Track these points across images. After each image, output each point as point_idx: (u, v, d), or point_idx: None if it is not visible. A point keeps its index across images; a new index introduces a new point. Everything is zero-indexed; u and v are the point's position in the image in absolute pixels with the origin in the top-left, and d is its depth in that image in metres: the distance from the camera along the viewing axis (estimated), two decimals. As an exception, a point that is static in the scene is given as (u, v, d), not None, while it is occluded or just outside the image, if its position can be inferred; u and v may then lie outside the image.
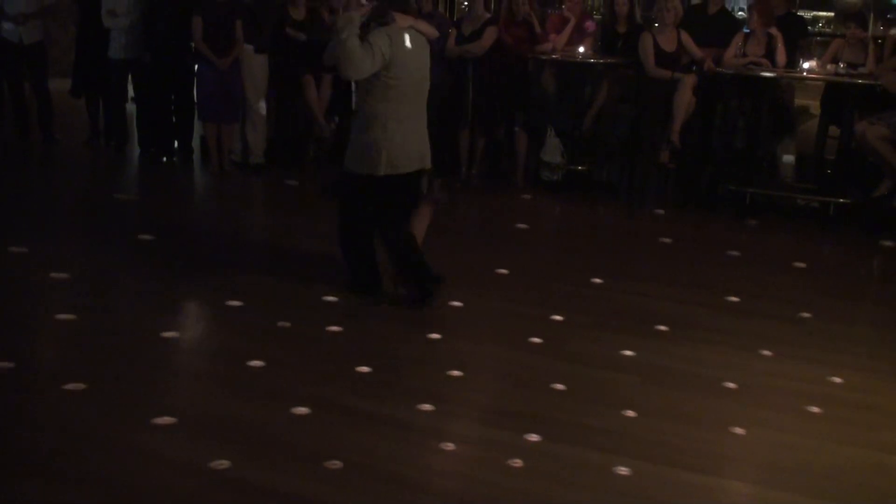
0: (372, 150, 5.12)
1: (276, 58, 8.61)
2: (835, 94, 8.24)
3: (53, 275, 5.52)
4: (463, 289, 5.60)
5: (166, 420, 3.86)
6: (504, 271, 6.07)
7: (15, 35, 8.96)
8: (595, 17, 9.83)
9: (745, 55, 7.96)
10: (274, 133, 9.04)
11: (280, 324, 4.99)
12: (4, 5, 8.86)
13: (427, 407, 4.10)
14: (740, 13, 10.82)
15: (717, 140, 8.53)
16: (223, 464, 3.53)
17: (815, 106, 9.09)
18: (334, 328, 5.00)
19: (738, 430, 4.05)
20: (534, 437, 3.88)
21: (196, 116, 8.94)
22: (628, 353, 4.84)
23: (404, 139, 5.15)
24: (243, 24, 8.36)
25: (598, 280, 5.97)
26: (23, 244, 6.03)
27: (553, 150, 8.42)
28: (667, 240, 7.01)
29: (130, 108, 9.46)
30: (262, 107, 8.68)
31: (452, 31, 8.35)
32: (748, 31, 8.23)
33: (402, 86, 5.07)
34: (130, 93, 9.37)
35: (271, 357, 4.55)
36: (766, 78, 7.92)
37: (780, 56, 7.87)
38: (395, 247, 5.32)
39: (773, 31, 7.91)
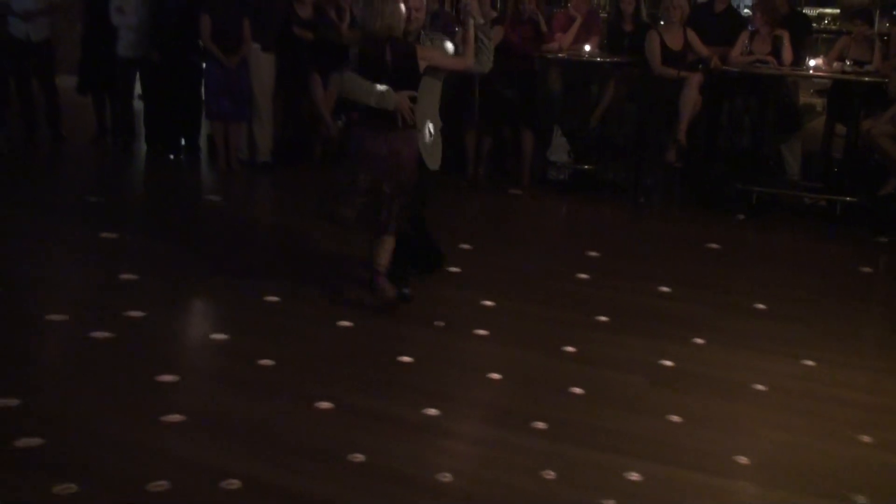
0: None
1: (284, 56, 8.62)
2: (842, 92, 8.24)
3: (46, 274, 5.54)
4: (471, 289, 5.63)
5: (175, 418, 3.88)
6: (511, 271, 6.08)
7: (23, 32, 8.98)
8: (601, 15, 9.82)
9: (751, 53, 7.96)
10: (281, 132, 9.06)
11: (289, 322, 5.01)
12: (12, 3, 8.88)
13: (437, 407, 4.11)
14: (746, 11, 10.80)
15: (724, 139, 8.54)
16: (233, 463, 3.55)
17: (820, 104, 9.10)
18: (344, 325, 5.02)
19: (752, 433, 4.06)
20: (544, 438, 3.90)
21: (203, 115, 8.96)
22: (637, 355, 4.85)
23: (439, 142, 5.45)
24: (251, 23, 8.37)
25: (605, 280, 5.99)
26: (23, 243, 6.07)
27: (559, 150, 8.44)
28: (671, 238, 7.02)
29: (138, 105, 9.48)
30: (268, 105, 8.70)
31: (459, 30, 8.33)
32: (754, 29, 8.23)
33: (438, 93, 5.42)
34: (138, 90, 9.39)
35: (280, 355, 4.57)
36: (772, 76, 7.92)
37: (787, 54, 7.87)
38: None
39: (779, 31, 7.91)
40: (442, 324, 5.05)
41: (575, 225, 7.73)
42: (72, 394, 4.10)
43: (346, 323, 5.04)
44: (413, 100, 5.06)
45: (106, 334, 4.72)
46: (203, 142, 9.25)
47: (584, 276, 6.07)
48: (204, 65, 8.60)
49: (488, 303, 5.49)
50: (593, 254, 6.63)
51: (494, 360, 4.72)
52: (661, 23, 8.19)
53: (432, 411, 4.08)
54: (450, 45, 5.34)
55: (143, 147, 9.26)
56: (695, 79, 7.84)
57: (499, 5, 9.76)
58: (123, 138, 9.37)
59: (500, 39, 8.16)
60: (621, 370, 4.65)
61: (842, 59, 8.06)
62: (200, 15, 8.29)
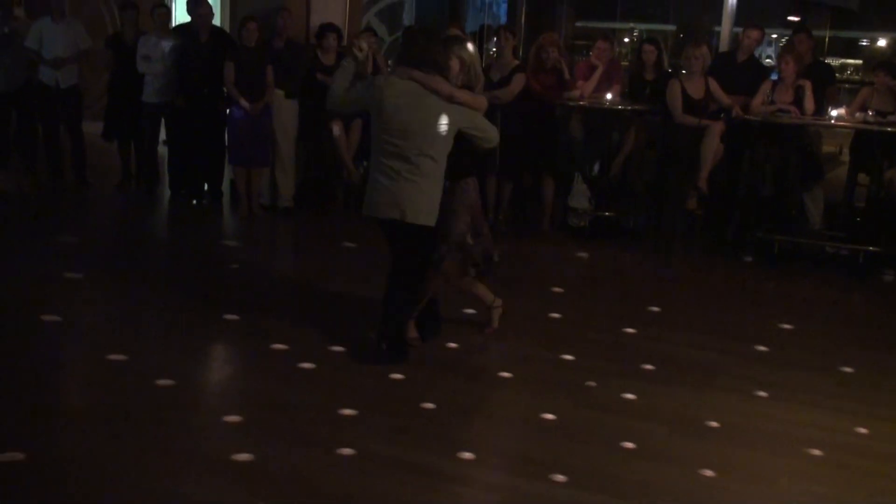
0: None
1: (306, 103, 8.71)
2: (864, 141, 8.23)
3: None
4: (491, 336, 5.61)
5: (194, 463, 3.86)
6: (533, 318, 6.06)
7: (52, 79, 9.14)
8: (623, 64, 9.87)
9: (773, 102, 7.96)
10: (303, 177, 9.13)
11: (304, 365, 5.00)
12: (42, 50, 9.05)
13: (461, 455, 4.07)
14: (768, 61, 10.83)
15: (745, 187, 8.52)
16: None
17: (844, 154, 9.06)
18: (361, 371, 5.00)
19: (780, 484, 4.01)
20: (568, 488, 3.85)
21: (226, 160, 9.04)
22: (660, 403, 4.80)
23: (375, 185, 5.12)
24: (274, 70, 8.47)
25: (628, 329, 5.94)
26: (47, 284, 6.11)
27: (580, 196, 8.44)
28: (692, 287, 6.99)
29: (162, 151, 9.58)
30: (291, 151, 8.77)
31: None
32: (776, 78, 8.25)
33: (385, 135, 5.03)
34: (162, 136, 9.50)
35: (296, 400, 4.56)
36: (794, 125, 7.91)
37: (809, 104, 7.86)
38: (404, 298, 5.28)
39: (802, 80, 7.92)
40: (463, 382, 5.01)
41: (595, 272, 7.70)
42: (90, 434, 4.10)
43: (362, 371, 5.03)
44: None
45: (120, 376, 4.71)
46: (226, 187, 9.32)
47: (604, 323, 6.04)
48: (228, 111, 8.70)
49: (505, 349, 5.46)
50: (614, 300, 6.62)
51: (518, 407, 4.69)
52: (683, 72, 8.21)
53: (456, 459, 4.04)
54: None
55: (167, 192, 9.33)
56: (716, 127, 7.85)
57: (521, 53, 9.83)
58: (147, 183, 9.46)
59: (522, 86, 8.23)
60: (646, 420, 4.59)
61: (864, 109, 8.06)
62: (225, 62, 8.40)
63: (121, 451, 3.94)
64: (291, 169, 8.85)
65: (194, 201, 9.11)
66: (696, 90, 7.93)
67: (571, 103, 8.46)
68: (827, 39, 17.04)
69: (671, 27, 18.48)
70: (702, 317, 6.37)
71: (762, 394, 4.98)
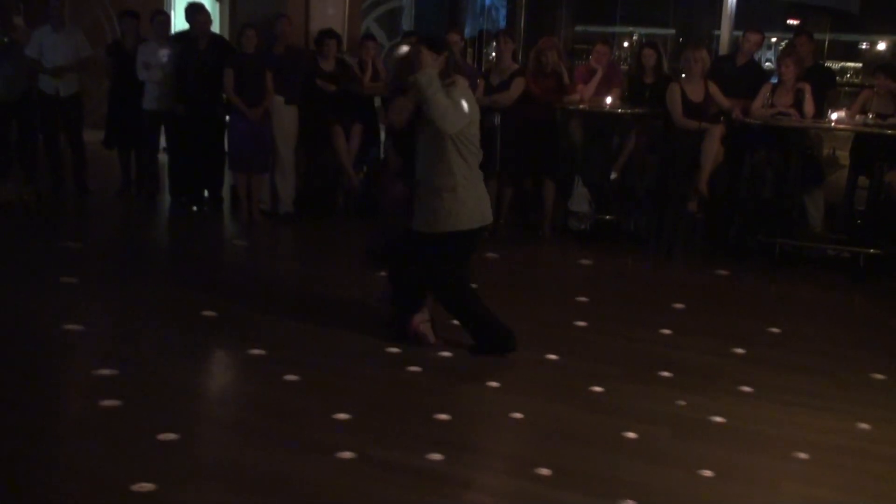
0: (443, 209, 5.14)
1: (307, 108, 8.72)
2: (864, 144, 8.23)
3: (69, 326, 5.56)
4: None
5: (194, 468, 3.85)
6: (532, 321, 6.05)
7: (52, 88, 9.15)
8: (622, 67, 9.88)
9: (772, 105, 7.97)
10: (303, 183, 9.13)
11: (302, 370, 4.99)
12: (42, 59, 9.06)
13: (458, 457, 4.07)
14: (767, 64, 10.84)
15: (746, 190, 8.51)
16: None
17: (843, 156, 9.06)
18: (364, 376, 5.00)
19: (781, 487, 4.00)
20: (566, 490, 3.84)
21: (227, 166, 9.05)
22: (660, 406, 4.79)
23: (477, 194, 5.29)
24: (274, 76, 8.48)
25: (628, 332, 5.94)
26: (52, 291, 6.11)
27: (581, 200, 8.44)
28: (693, 290, 6.98)
29: (162, 158, 9.59)
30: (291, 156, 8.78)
31: (480, 82, 8.41)
32: (776, 81, 8.25)
33: (473, 144, 5.18)
34: (162, 143, 9.51)
35: (294, 405, 4.56)
36: (794, 128, 7.91)
37: (809, 107, 7.87)
38: (458, 302, 5.41)
39: (802, 84, 7.93)
40: (467, 386, 5.00)
41: (595, 276, 7.69)
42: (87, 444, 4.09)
43: (364, 376, 5.03)
44: None
45: (121, 387, 4.72)
46: (226, 193, 9.32)
47: (605, 325, 6.04)
48: (227, 117, 8.70)
49: (508, 354, 5.46)
50: (615, 304, 6.61)
51: (516, 409, 4.66)
52: (683, 75, 8.21)
53: (457, 462, 4.04)
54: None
55: (168, 199, 9.33)
56: (716, 130, 7.85)
57: (520, 57, 9.83)
58: (148, 191, 9.46)
59: (521, 91, 8.24)
60: (645, 421, 4.58)
61: (864, 112, 8.06)
62: (224, 69, 8.40)
63: (118, 457, 3.93)
64: (292, 175, 8.85)
65: (195, 208, 9.11)
66: (695, 94, 7.94)
67: (571, 107, 8.47)
68: (827, 43, 17.05)
69: (670, 31, 18.49)
70: (702, 319, 6.36)
71: (762, 396, 4.97)
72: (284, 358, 5.22)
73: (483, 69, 10.92)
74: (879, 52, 19.50)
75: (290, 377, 4.93)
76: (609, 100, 8.37)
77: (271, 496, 3.69)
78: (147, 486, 3.67)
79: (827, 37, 17.13)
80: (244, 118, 8.42)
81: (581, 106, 8.42)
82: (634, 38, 18.53)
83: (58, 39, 9.10)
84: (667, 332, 5.97)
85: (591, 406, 4.77)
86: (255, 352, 5.28)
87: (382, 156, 8.61)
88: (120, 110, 9.29)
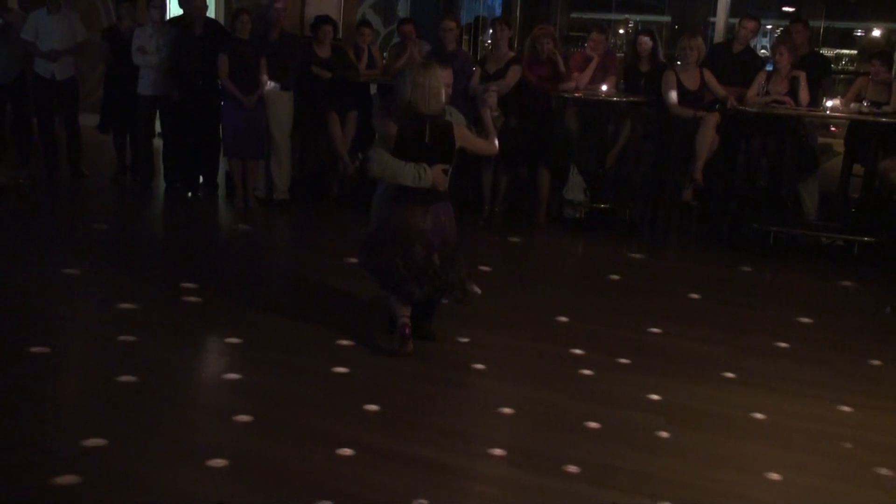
0: None
1: (302, 95, 8.70)
2: (859, 132, 8.24)
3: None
4: (481, 327, 5.62)
5: (193, 459, 3.87)
6: (527, 309, 6.08)
7: (48, 72, 9.13)
8: (618, 55, 9.87)
9: (767, 93, 7.97)
10: (298, 169, 9.13)
11: (302, 361, 5.00)
12: (38, 42, 9.03)
13: (456, 447, 4.09)
14: (763, 52, 10.84)
15: (741, 178, 8.53)
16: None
17: (838, 144, 9.08)
18: (349, 368, 5.01)
19: (773, 475, 4.01)
20: (563, 479, 3.86)
21: (221, 152, 9.04)
22: (655, 394, 4.81)
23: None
24: (269, 62, 8.45)
25: (624, 321, 5.96)
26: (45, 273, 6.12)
27: (576, 188, 8.44)
28: (688, 279, 7.01)
29: (157, 143, 9.57)
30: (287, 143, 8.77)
31: (477, 70, 8.41)
32: (771, 69, 8.26)
33: None
34: (158, 129, 9.49)
35: (294, 396, 4.58)
36: (789, 116, 7.93)
37: (804, 95, 7.88)
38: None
39: (796, 71, 7.94)
40: (457, 374, 5.02)
41: (591, 264, 7.71)
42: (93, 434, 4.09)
43: (349, 368, 5.04)
44: (446, 172, 5.12)
45: (107, 375, 4.73)
46: (221, 179, 9.31)
47: (598, 314, 6.06)
48: (222, 103, 8.69)
49: (499, 341, 5.48)
50: (609, 292, 6.64)
51: (510, 398, 4.69)
52: (678, 63, 8.21)
53: (460, 453, 4.06)
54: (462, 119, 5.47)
55: (162, 184, 9.33)
56: (711, 118, 7.86)
57: (516, 45, 9.82)
58: (143, 176, 9.45)
59: (517, 78, 8.23)
60: (640, 409, 4.61)
61: (859, 99, 8.07)
62: (219, 55, 8.38)
63: (116, 447, 3.94)
64: (287, 161, 8.84)
65: (189, 193, 9.10)
66: (691, 81, 7.94)
67: (567, 95, 8.46)
68: (822, 30, 17.05)
69: (666, 18, 18.48)
70: (697, 309, 6.38)
71: (758, 385, 4.99)
72: (275, 345, 5.24)
73: (479, 56, 10.89)
74: (874, 39, 19.50)
75: (282, 365, 4.95)
76: (604, 87, 8.37)
77: (270, 485, 3.70)
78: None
79: (822, 24, 17.13)
80: (238, 104, 8.40)
81: (576, 94, 8.41)
82: (630, 25, 18.52)
83: (53, 23, 9.08)
84: (659, 320, 5.98)
85: (582, 394, 4.78)
86: (253, 339, 5.30)
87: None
88: (115, 95, 9.27)
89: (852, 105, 7.96)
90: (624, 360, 5.26)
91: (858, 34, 20.31)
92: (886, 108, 7.78)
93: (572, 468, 3.94)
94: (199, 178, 9.21)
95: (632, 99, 8.47)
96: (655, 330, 5.81)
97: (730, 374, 5.12)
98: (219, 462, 3.83)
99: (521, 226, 8.58)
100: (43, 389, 4.51)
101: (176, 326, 5.48)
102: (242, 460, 3.87)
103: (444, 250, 5.11)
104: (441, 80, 5.11)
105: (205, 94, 8.78)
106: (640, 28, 15.90)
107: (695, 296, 6.63)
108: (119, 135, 9.54)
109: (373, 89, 9.63)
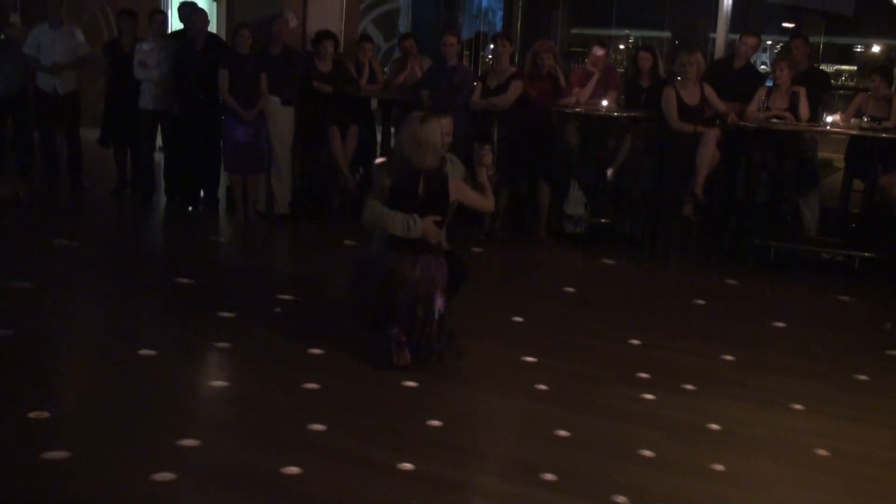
0: None
1: (303, 109, 8.72)
2: (859, 147, 8.25)
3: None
4: (479, 339, 5.61)
5: (195, 472, 3.86)
6: (521, 322, 6.07)
7: (50, 86, 9.15)
8: (618, 70, 9.90)
9: (768, 109, 7.99)
10: (299, 184, 9.13)
11: (298, 372, 4.99)
12: (40, 57, 9.06)
13: (454, 460, 4.08)
14: (763, 67, 10.87)
15: (741, 193, 8.54)
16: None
17: (838, 160, 9.09)
18: (357, 378, 5.01)
19: (777, 490, 4.01)
20: (561, 493, 3.85)
21: (222, 167, 9.04)
22: (653, 409, 4.80)
23: None
24: (270, 77, 8.47)
25: (624, 335, 5.94)
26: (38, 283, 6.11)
27: (576, 203, 8.45)
28: (689, 293, 7.00)
29: (158, 157, 9.58)
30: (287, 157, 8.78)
31: (478, 85, 8.43)
32: (771, 85, 8.27)
33: None
34: (158, 143, 9.50)
35: (292, 406, 4.57)
36: (789, 132, 7.93)
37: (804, 110, 7.89)
38: None
39: (796, 87, 7.96)
40: (458, 386, 5.01)
41: (591, 279, 7.71)
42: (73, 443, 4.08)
43: (370, 374, 5.03)
44: (439, 224, 5.15)
45: (107, 381, 4.71)
46: (222, 193, 9.32)
47: (600, 329, 6.05)
48: (223, 118, 8.70)
49: (504, 356, 5.46)
50: (610, 308, 6.63)
51: (515, 413, 4.70)
52: (678, 78, 8.23)
53: (455, 465, 4.04)
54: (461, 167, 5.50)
55: (163, 199, 9.33)
56: (712, 134, 7.86)
57: (517, 60, 9.84)
58: (143, 190, 9.45)
59: (519, 94, 8.25)
60: (641, 424, 4.60)
61: (859, 115, 8.09)
62: (219, 70, 8.40)
63: (117, 459, 3.93)
64: (287, 176, 8.85)
65: (190, 208, 9.10)
66: (691, 97, 7.95)
67: (567, 110, 8.48)
68: (821, 46, 17.10)
69: (666, 34, 18.52)
70: (698, 323, 6.38)
71: (759, 400, 4.98)
72: (274, 357, 5.23)
73: (480, 72, 10.92)
74: (874, 54, 19.56)
75: (281, 378, 4.94)
76: (605, 103, 8.39)
77: (264, 497, 3.70)
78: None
79: (822, 40, 17.18)
80: (239, 119, 8.41)
81: (577, 109, 8.43)
82: (630, 40, 18.57)
83: (56, 37, 9.10)
84: (660, 335, 5.97)
85: (584, 408, 4.77)
86: (251, 351, 5.29)
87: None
88: (116, 109, 9.29)
89: (852, 120, 7.98)
90: (625, 374, 5.23)
91: (858, 50, 20.39)
92: (887, 124, 7.79)
93: (571, 482, 3.93)
94: (199, 193, 9.21)
95: (632, 114, 8.48)
96: (655, 344, 5.79)
97: (731, 390, 5.09)
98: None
99: (522, 241, 8.58)
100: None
101: (173, 338, 5.47)
102: (233, 471, 3.86)
103: (429, 303, 5.11)
104: (439, 134, 5.15)
105: (206, 109, 8.80)
106: (640, 44, 15.96)
107: (695, 311, 6.63)
108: (120, 149, 9.55)
109: (374, 104, 9.64)
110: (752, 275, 7.69)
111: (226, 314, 5.89)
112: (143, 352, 5.14)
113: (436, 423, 4.47)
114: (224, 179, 9.20)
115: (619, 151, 8.69)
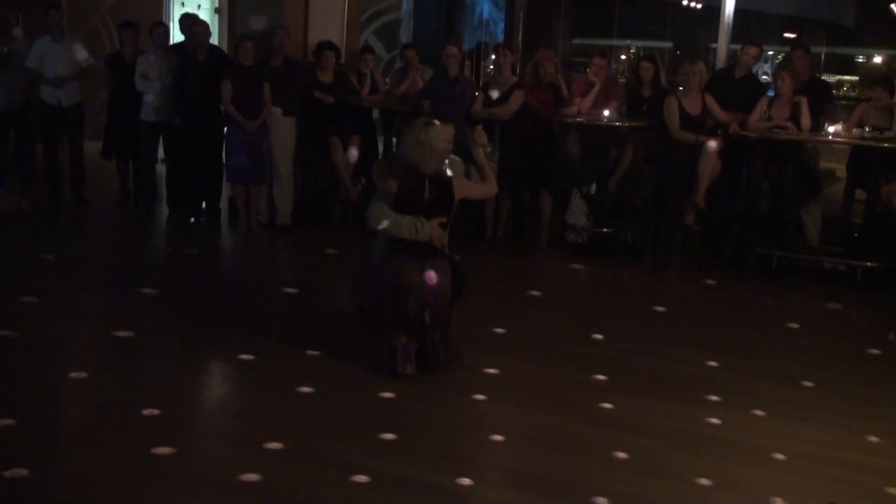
0: None
1: (305, 120, 8.73)
2: (861, 157, 8.25)
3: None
4: (482, 351, 5.59)
5: (204, 484, 3.86)
6: (529, 334, 6.07)
7: (54, 98, 9.16)
8: (620, 80, 9.91)
9: (769, 119, 7.99)
10: (301, 194, 9.14)
11: (303, 386, 4.98)
12: (44, 69, 9.07)
13: (453, 471, 4.06)
14: (764, 77, 10.88)
15: (743, 203, 8.53)
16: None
17: (840, 169, 9.09)
18: (359, 390, 5.00)
19: (766, 497, 3.99)
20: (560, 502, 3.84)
21: (224, 178, 9.05)
22: (659, 418, 4.79)
23: None
24: (272, 88, 8.49)
25: (624, 344, 5.94)
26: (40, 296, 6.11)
27: (578, 213, 8.45)
28: (692, 303, 7.00)
29: (160, 169, 9.59)
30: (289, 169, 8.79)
31: (479, 95, 8.44)
32: (773, 95, 8.27)
33: None
34: (161, 154, 9.51)
35: (298, 420, 4.56)
36: (791, 141, 7.94)
37: (805, 120, 7.89)
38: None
39: (798, 97, 7.96)
40: (464, 398, 5.00)
41: (592, 288, 7.70)
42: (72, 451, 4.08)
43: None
44: (444, 226, 5.17)
45: (112, 394, 4.71)
46: (224, 204, 9.32)
47: (600, 338, 6.04)
48: (225, 129, 8.71)
49: (505, 365, 5.45)
50: (611, 316, 6.62)
51: (509, 421, 4.69)
52: (680, 88, 8.23)
53: (455, 476, 4.02)
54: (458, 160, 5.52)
55: (165, 210, 9.33)
56: (713, 144, 7.86)
57: (518, 70, 9.86)
58: (145, 202, 9.45)
59: (520, 103, 8.25)
60: (641, 434, 4.58)
61: (861, 125, 8.09)
62: (222, 81, 8.41)
63: (126, 474, 3.92)
64: (290, 187, 8.86)
65: (192, 219, 9.10)
66: (693, 107, 7.95)
67: (569, 120, 8.48)
68: (823, 56, 17.13)
69: (668, 44, 18.57)
70: (699, 332, 6.36)
71: (758, 409, 4.96)
72: (277, 369, 5.22)
73: (482, 82, 10.93)
74: (875, 65, 19.57)
75: (285, 388, 4.92)
76: (606, 112, 8.39)
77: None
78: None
79: (823, 50, 17.21)
80: (242, 130, 8.42)
81: (578, 119, 8.43)
82: (632, 50, 18.61)
83: (58, 49, 9.11)
84: (661, 344, 5.97)
85: (585, 417, 4.77)
86: (254, 365, 5.29)
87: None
88: (118, 121, 9.29)
89: (854, 130, 7.98)
90: (624, 383, 5.24)
91: (859, 60, 20.41)
92: (888, 134, 7.79)
93: (570, 491, 3.92)
94: (201, 204, 9.21)
95: (634, 124, 8.48)
96: (656, 353, 5.79)
97: (732, 398, 5.08)
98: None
99: (523, 250, 8.57)
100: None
101: (176, 352, 5.46)
102: (251, 484, 3.85)
103: (435, 307, 5.11)
104: (442, 139, 5.17)
105: (208, 120, 8.81)
106: (641, 54, 15.98)
107: (697, 320, 6.64)
108: (122, 160, 9.55)
109: (375, 114, 9.65)
110: (753, 284, 7.68)
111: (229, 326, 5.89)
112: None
113: (435, 430, 4.48)
114: (226, 190, 9.21)
115: (621, 161, 8.69)
